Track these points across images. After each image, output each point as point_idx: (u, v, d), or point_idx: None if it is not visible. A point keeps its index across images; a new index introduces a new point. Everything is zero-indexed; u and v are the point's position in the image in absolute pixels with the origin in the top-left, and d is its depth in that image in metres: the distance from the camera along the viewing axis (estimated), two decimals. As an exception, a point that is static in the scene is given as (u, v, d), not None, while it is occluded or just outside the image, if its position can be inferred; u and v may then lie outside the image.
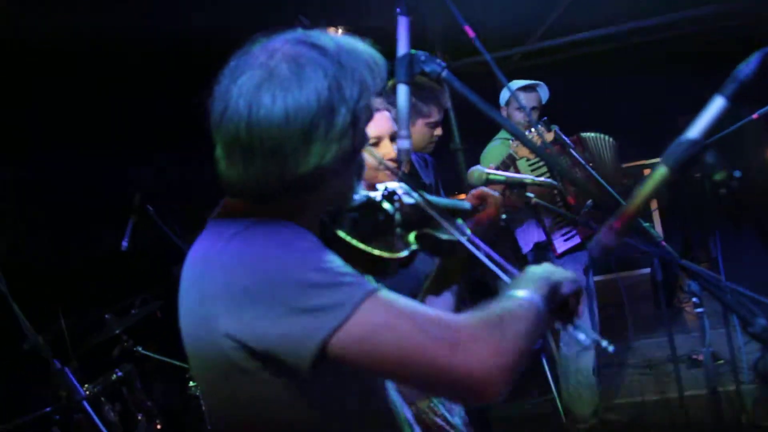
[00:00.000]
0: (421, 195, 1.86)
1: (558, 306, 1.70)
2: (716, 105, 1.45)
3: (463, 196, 2.85)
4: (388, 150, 2.62)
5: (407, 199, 1.86)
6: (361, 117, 1.55)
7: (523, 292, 1.56)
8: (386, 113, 2.64)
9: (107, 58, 5.46)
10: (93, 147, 5.42)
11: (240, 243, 1.49)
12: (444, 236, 1.86)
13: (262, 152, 1.50)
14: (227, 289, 1.45)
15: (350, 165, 1.60)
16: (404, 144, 1.78)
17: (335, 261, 1.45)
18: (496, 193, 2.09)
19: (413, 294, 2.24)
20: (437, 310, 1.49)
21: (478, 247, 1.85)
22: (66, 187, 5.34)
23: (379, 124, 2.63)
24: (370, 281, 1.46)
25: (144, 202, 4.52)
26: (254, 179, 1.53)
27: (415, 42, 1.80)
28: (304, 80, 1.48)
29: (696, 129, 1.45)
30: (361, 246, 1.60)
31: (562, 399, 5.30)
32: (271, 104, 1.48)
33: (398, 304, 1.43)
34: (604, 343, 1.69)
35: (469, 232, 1.91)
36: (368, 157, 1.79)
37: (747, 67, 1.44)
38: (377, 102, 2.64)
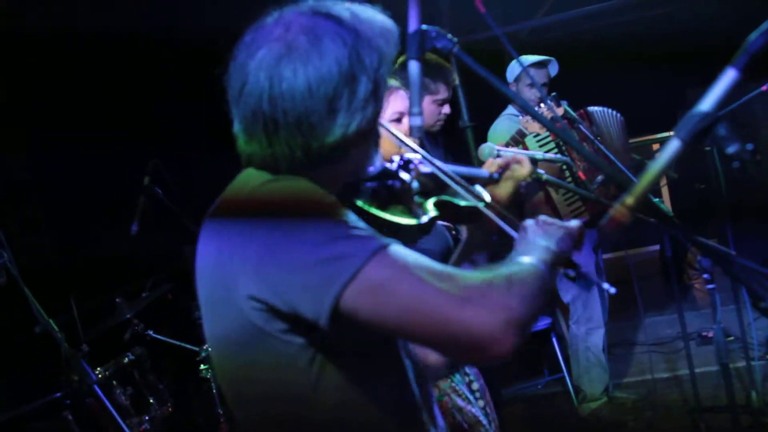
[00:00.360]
0: (435, 164, 1.86)
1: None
2: (728, 77, 1.44)
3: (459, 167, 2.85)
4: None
5: (424, 168, 1.86)
6: (381, 84, 1.56)
7: (528, 258, 1.56)
8: (403, 92, 2.66)
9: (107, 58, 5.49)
10: (99, 136, 5.43)
11: (256, 199, 1.50)
12: (463, 203, 1.87)
13: (286, 124, 1.51)
14: (246, 248, 1.44)
15: (370, 135, 1.61)
16: (416, 121, 1.76)
17: (349, 215, 1.45)
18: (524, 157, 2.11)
19: (444, 258, 2.26)
20: (448, 266, 1.48)
21: (499, 214, 1.85)
22: (75, 174, 5.35)
23: (401, 101, 2.66)
24: (381, 237, 1.45)
25: (153, 183, 4.52)
26: (279, 152, 1.53)
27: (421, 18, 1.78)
28: (323, 51, 1.50)
29: (708, 101, 1.45)
30: (380, 213, 1.60)
31: (573, 378, 5.32)
32: (293, 77, 1.49)
33: (409, 258, 1.42)
34: (605, 285, 1.72)
35: (488, 198, 1.90)
36: (386, 134, 1.79)
37: (758, 37, 1.42)
38: (393, 81, 2.67)
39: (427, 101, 3.69)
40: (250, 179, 1.57)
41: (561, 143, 4.25)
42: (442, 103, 3.74)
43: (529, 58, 5.01)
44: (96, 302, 5.03)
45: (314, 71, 1.48)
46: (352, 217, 1.46)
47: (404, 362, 1.68)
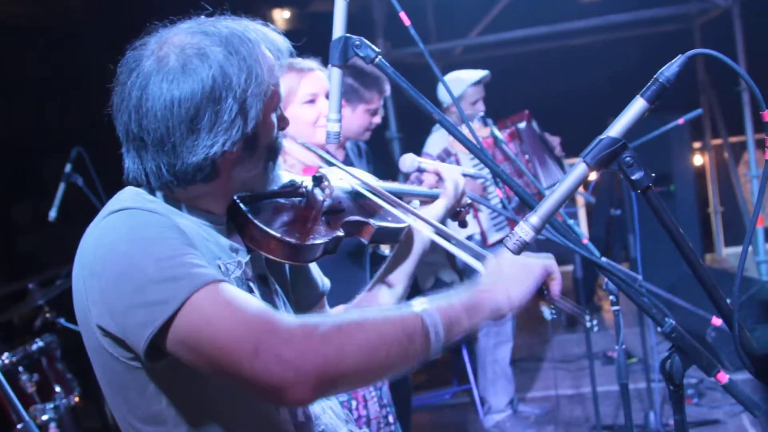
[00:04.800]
0: (362, 181, 1.84)
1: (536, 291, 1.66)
2: (636, 106, 1.48)
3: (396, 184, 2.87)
4: (324, 106, 2.61)
5: (341, 185, 1.83)
6: (252, 105, 1.53)
7: (420, 305, 1.50)
8: (320, 72, 2.64)
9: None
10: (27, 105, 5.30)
11: (103, 229, 1.49)
12: (382, 223, 1.84)
13: (151, 142, 1.51)
14: (92, 278, 1.46)
15: (253, 153, 1.59)
16: (334, 127, 1.75)
17: (177, 251, 1.43)
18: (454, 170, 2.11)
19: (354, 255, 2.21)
20: (275, 310, 1.46)
21: (447, 238, 1.82)
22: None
23: (314, 82, 2.63)
24: (208, 272, 1.43)
25: (75, 170, 4.46)
26: (149, 169, 1.54)
27: (361, 29, 1.78)
28: (188, 71, 1.49)
29: (616, 128, 1.48)
30: (272, 232, 1.59)
31: (479, 389, 5.41)
32: (158, 95, 1.48)
33: (225, 298, 1.41)
34: (589, 323, 1.69)
35: (415, 215, 1.86)
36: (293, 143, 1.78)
37: (668, 70, 1.46)
38: (309, 62, 2.63)
39: (361, 110, 3.68)
40: (113, 202, 1.55)
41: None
42: (374, 113, 3.75)
43: (467, 76, 5.04)
44: (7, 288, 4.93)
45: (178, 90, 1.48)
46: (179, 252, 1.43)
47: None
